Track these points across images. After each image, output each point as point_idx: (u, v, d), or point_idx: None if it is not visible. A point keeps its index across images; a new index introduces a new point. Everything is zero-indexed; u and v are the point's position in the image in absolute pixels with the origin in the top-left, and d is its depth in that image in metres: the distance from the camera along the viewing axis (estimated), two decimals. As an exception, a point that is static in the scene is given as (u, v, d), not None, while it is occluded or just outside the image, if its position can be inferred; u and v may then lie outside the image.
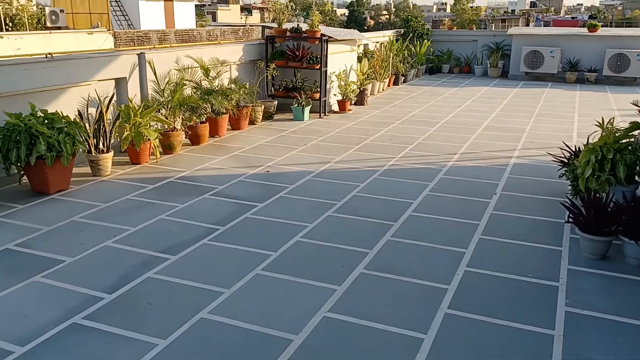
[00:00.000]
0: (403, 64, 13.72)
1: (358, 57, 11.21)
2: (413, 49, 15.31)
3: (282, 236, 4.47)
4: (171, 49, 7.63)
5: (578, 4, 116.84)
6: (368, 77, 11.09)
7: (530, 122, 9.12)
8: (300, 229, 4.61)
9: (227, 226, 4.67)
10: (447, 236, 4.49)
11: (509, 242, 4.39)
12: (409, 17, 16.41)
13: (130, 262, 4.01)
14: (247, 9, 78.79)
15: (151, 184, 5.76)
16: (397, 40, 14.83)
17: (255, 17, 76.77)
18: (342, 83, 9.91)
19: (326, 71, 9.48)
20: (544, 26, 52.45)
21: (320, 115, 9.46)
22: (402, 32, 16.24)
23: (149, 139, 6.38)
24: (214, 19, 61.40)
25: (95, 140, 6.04)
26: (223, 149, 7.27)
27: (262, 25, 11.01)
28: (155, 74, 7.02)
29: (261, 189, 5.68)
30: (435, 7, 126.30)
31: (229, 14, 66.46)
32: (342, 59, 10.23)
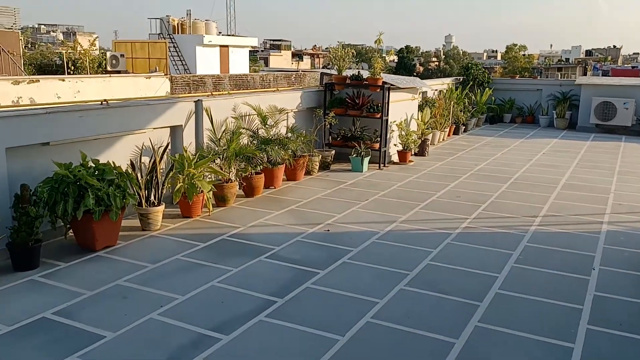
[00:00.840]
0: (463, 112, 13.11)
1: (419, 105, 10.70)
2: (473, 97, 14.71)
3: (350, 314, 3.86)
4: (229, 95, 7.33)
5: (634, 53, 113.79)
6: (429, 126, 10.53)
7: (613, 180, 8.28)
8: (370, 306, 3.99)
9: (285, 298, 4.10)
10: (547, 324, 3.77)
11: (625, 336, 3.63)
12: (469, 64, 15.89)
13: (178, 340, 3.49)
14: (298, 55, 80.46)
15: (203, 242, 5.30)
16: (456, 88, 14.28)
17: (306, 62, 78.23)
18: (403, 133, 9.38)
19: (387, 120, 8.99)
20: (602, 75, 51.10)
21: (379, 167, 8.92)
22: (462, 79, 15.70)
23: (202, 191, 5.97)
24: (266, 64, 62.82)
25: (146, 191, 5.66)
26: (279, 202, 6.79)
27: (321, 72, 10.59)
28: (211, 121, 6.68)
29: (322, 252, 5.12)
30: (485, 54, 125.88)
31: (280, 59, 67.95)
32: (402, 107, 9.74)
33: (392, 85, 8.92)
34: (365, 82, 8.88)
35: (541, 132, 13.93)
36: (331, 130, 9.14)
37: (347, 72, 9.15)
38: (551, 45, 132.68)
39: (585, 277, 4.60)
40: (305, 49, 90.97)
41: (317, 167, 8.36)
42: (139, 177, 5.60)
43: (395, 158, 9.56)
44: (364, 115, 8.97)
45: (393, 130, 9.31)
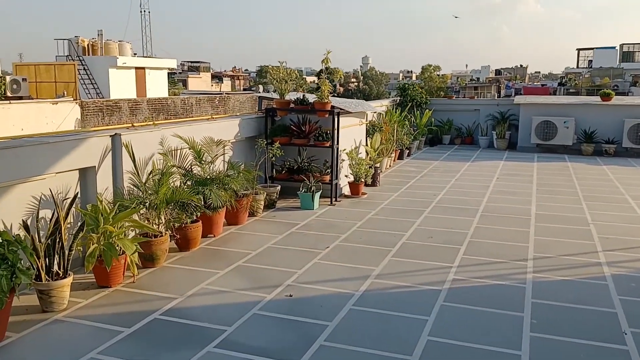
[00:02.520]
0: (407, 136, 12.37)
1: (366, 130, 9.78)
2: (413, 119, 14.07)
3: None
4: (154, 127, 6.01)
5: (536, 72, 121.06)
6: (380, 153, 9.62)
7: (583, 208, 7.66)
8: None
9: (254, 420, 2.88)
10: None
11: None
12: (406, 85, 15.29)
13: None
14: (218, 77, 78.66)
15: (127, 326, 3.95)
16: (394, 110, 13.58)
17: (227, 84, 76.66)
18: (354, 162, 8.38)
19: (337, 149, 7.96)
20: (515, 94, 53.25)
21: (331, 202, 7.84)
22: (398, 100, 15.07)
23: (124, 253, 4.62)
24: (185, 86, 60.71)
25: (47, 260, 4.24)
26: (222, 256, 5.53)
27: (259, 96, 9.39)
28: (134, 160, 5.33)
29: (289, 332, 3.93)
30: (401, 74, 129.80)
31: (199, 82, 66.00)
32: (351, 133, 8.76)
33: (341, 109, 7.92)
34: (312, 106, 7.82)
35: (484, 153, 13.46)
36: (275, 163, 7.97)
37: (290, 96, 8.06)
38: (467, 65, 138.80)
39: (621, 347, 3.70)
40: (225, 71, 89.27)
41: (261, 207, 7.15)
42: (36, 242, 4.17)
43: (346, 190, 8.53)
44: (311, 144, 7.90)
45: (343, 160, 8.29)
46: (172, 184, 5.54)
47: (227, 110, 27.61)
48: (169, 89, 37.97)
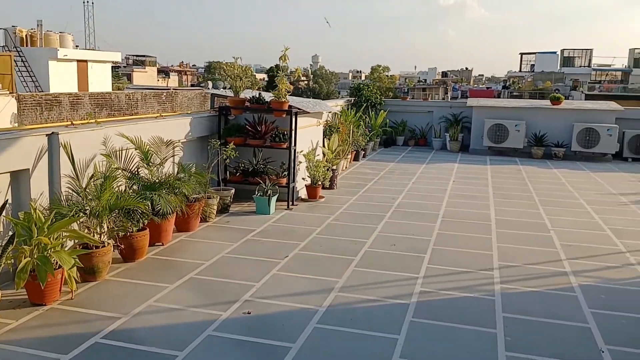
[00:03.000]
0: (363, 137, 12.15)
1: (323, 131, 9.48)
2: (368, 119, 13.90)
3: None
4: (96, 125, 5.47)
5: (480, 74, 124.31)
6: (337, 155, 9.33)
7: (541, 213, 7.62)
8: None
9: None
10: None
11: None
12: (361, 85, 15.09)
13: None
14: (164, 72, 76.60)
15: (63, 352, 3.48)
16: (349, 110, 13.37)
17: (174, 79, 74.78)
18: (312, 164, 8.06)
19: (295, 150, 7.61)
20: (462, 96, 54.35)
21: (288, 206, 7.49)
22: (353, 100, 14.86)
23: (61, 267, 4.12)
24: (130, 80, 58.81)
25: (-31, 277, 3.70)
26: (172, 267, 5.08)
27: (212, 93, 8.89)
28: (73, 163, 4.81)
29: (249, 356, 3.56)
30: (350, 74, 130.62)
31: (145, 76, 64.09)
32: (308, 134, 8.43)
33: (299, 109, 7.57)
34: (268, 106, 7.44)
35: (438, 155, 13.42)
36: (229, 165, 7.55)
37: (245, 94, 7.65)
38: (415, 67, 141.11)
39: (601, 366, 3.54)
40: (172, 66, 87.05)
41: (214, 212, 6.72)
42: (-44, 257, 3.63)
43: (303, 194, 8.20)
44: (267, 146, 7.52)
45: (300, 162, 7.95)
46: (116, 189, 5.05)
47: (175, 106, 26.72)
48: (113, 84, 36.52)
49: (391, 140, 14.99)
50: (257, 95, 7.47)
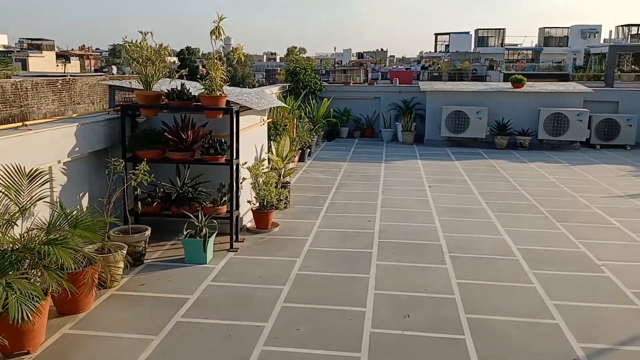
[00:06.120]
0: (309, 132, 10.00)
1: (268, 131, 7.21)
2: (309, 109, 11.75)
3: None
4: None
5: (391, 55, 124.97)
6: (290, 161, 7.11)
7: (568, 235, 5.83)
8: None
9: None
10: None
11: None
12: (297, 68, 12.83)
13: None
14: (64, 56, 70.10)
15: None
16: (285, 98, 11.16)
17: (75, 64, 68.76)
18: (260, 181, 5.82)
19: (238, 164, 5.35)
20: (382, 78, 53.41)
21: (231, 245, 5.22)
22: (288, 87, 12.62)
23: None
24: (25, 67, 53.13)
25: None
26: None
27: (110, 85, 6.18)
28: None
29: None
30: (265, 56, 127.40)
31: (42, 62, 58.40)
32: (253, 138, 6.18)
33: (242, 105, 5.28)
34: (196, 102, 5.09)
35: (392, 150, 11.51)
36: (139, 189, 5.13)
37: (162, 86, 5.24)
38: (335, 48, 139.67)
39: None
40: (73, 50, 79.93)
41: (121, 270, 4.34)
42: None
43: (247, 219, 5.96)
44: (197, 160, 5.20)
45: (244, 179, 5.68)
46: None
47: (74, 96, 23.17)
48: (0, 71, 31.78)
49: (335, 133, 12.92)
50: (180, 88, 5.08)
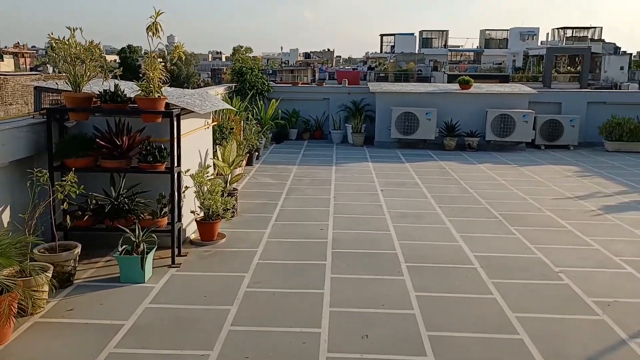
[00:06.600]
0: (257, 135, 9.62)
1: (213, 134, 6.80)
2: (256, 111, 11.37)
3: None
4: None
5: (337, 56, 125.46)
6: (236, 166, 6.72)
7: (522, 239, 5.73)
8: None
9: None
10: None
11: None
12: (243, 68, 12.40)
13: None
14: (-4, 54, 66.48)
15: None
16: (231, 99, 10.75)
17: (8, 62, 65.35)
18: (205, 189, 5.42)
19: (180, 172, 4.94)
20: (329, 78, 53.39)
21: (172, 260, 4.81)
22: (234, 87, 12.19)
23: None
24: (-48, 65, 50.10)
25: None
26: None
27: (36, 86, 5.56)
28: None
29: None
30: (210, 55, 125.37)
31: (-29, 59, 55.08)
32: (196, 143, 5.76)
33: (183, 108, 4.88)
34: (132, 105, 4.65)
35: (342, 152, 11.30)
36: (71, 202, 4.64)
37: (93, 87, 4.76)
38: (282, 48, 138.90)
39: None
40: (6, 47, 75.96)
41: (45, 295, 3.86)
42: None
43: (191, 230, 5.55)
44: (133, 168, 4.75)
45: (187, 187, 5.26)
46: None
47: (5, 96, 21.86)
48: None
49: (284, 135, 12.57)
50: (114, 89, 4.62)
